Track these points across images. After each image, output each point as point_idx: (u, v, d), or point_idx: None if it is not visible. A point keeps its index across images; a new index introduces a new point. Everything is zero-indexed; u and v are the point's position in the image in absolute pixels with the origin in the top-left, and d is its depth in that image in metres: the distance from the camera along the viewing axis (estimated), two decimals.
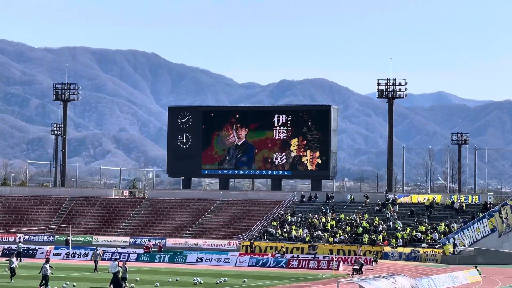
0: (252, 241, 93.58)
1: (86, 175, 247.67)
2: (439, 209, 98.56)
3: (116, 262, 58.11)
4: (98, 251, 73.24)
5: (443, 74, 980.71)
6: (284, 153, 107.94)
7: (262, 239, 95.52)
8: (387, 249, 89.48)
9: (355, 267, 71.38)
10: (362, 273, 69.21)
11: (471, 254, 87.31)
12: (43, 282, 56.19)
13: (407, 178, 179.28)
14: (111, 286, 55.51)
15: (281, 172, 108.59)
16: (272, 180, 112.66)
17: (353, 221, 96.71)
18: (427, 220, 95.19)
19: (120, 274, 55.38)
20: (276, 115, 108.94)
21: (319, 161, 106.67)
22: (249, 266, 78.76)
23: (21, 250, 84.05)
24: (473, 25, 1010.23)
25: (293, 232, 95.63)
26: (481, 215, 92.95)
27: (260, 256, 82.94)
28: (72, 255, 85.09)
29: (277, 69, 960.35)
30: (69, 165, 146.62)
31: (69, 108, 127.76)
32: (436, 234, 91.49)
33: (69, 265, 76.08)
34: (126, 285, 55.50)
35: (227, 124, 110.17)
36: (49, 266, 57.22)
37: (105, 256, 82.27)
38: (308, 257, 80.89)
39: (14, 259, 62.86)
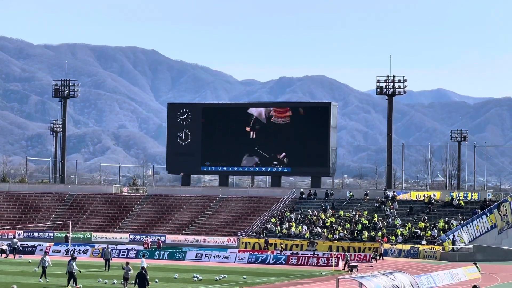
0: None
1: (85, 171, 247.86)
2: (438, 206, 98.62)
3: (144, 259, 60.60)
4: (108, 249, 72.28)
5: (443, 71, 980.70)
6: (283, 150, 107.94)
7: (262, 235, 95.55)
8: (386, 246, 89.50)
9: (352, 263, 71.37)
10: (352, 270, 69.30)
11: (470, 251, 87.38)
12: (71, 280, 55.56)
13: (407, 175, 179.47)
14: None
15: (280, 169, 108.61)
16: (271, 177, 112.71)
17: (352, 218, 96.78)
18: (426, 217, 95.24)
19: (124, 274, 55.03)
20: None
21: (319, 158, 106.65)
22: (248, 262, 78.81)
23: (16, 246, 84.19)
24: (472, 22, 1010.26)
25: (293, 229, 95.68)
26: (480, 212, 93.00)
27: (260, 253, 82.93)
28: (72, 251, 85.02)
29: (277, 66, 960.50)
30: (69, 161, 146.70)
31: (68, 105, 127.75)
32: (436, 231, 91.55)
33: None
34: (127, 284, 55.09)
35: (226, 121, 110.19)
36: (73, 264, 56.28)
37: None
38: (307, 254, 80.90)
39: (47, 257, 60.97)
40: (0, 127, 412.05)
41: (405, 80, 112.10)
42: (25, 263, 75.43)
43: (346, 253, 78.49)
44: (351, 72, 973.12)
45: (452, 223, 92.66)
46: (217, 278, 62.33)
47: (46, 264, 60.18)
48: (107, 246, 76.48)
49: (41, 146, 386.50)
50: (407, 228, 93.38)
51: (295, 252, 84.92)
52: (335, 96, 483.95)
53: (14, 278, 60.88)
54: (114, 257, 77.91)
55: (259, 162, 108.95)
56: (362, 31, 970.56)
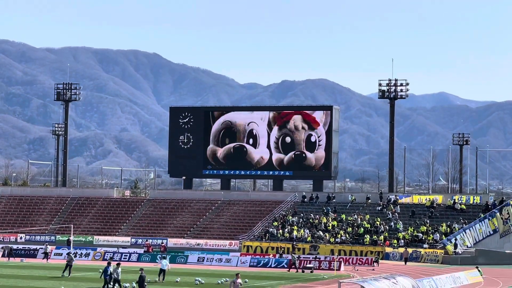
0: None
1: (87, 175, 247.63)
2: (440, 209, 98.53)
3: (165, 261, 62.89)
4: (71, 254, 71.37)
5: (445, 75, 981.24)
6: (285, 153, 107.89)
7: (264, 239, 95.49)
8: (388, 249, 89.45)
9: (308, 265, 75.24)
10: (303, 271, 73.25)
11: (472, 255, 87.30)
12: (116, 286, 54.67)
13: (409, 179, 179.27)
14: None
15: (282, 172, 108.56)
16: (273, 180, 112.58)
17: (354, 222, 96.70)
18: (428, 221, 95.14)
19: (114, 276, 54.78)
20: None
21: (321, 161, 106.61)
22: (250, 266, 78.74)
23: (10, 250, 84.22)
24: (474, 26, 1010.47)
25: (295, 233, 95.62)
26: (482, 215, 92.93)
27: (261, 257, 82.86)
28: (73, 255, 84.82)
29: (279, 69, 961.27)
30: (71, 165, 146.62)
31: (70, 108, 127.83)
32: (438, 234, 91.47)
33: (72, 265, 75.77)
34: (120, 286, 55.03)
35: (228, 124, 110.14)
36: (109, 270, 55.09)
37: (106, 256, 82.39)
38: (309, 258, 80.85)
39: (117, 268, 55.75)
40: (2, 131, 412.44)
41: (407, 84, 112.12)
42: (27, 267, 75.32)
43: (293, 254, 79.23)
44: (353, 76, 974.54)
45: (454, 227, 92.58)
46: (219, 281, 62.34)
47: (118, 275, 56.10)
48: (69, 252, 75.50)
49: (43, 149, 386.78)
50: (409, 231, 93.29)
51: (297, 255, 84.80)
52: (337, 99, 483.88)
53: (16, 282, 60.86)
54: (115, 260, 77.77)
55: (261, 165, 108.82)
56: (364, 35, 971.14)
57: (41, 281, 61.35)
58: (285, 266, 77.40)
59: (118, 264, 55.77)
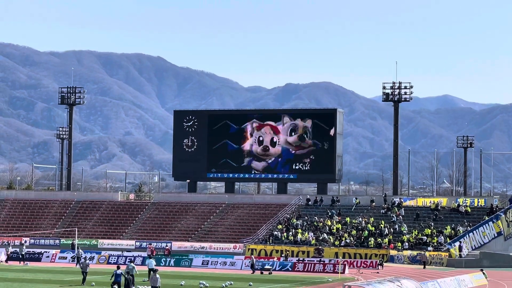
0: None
1: (91, 178, 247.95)
2: (444, 212, 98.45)
3: (152, 261, 64.20)
4: (87, 260, 68.81)
5: (449, 77, 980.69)
6: (290, 156, 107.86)
7: (268, 242, 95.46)
8: (393, 252, 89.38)
9: (267, 267, 77.01)
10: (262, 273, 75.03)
11: (477, 258, 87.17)
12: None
13: (413, 182, 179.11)
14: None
15: (286, 175, 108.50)
16: (277, 183, 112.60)
17: (358, 225, 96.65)
18: (432, 223, 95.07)
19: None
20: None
21: (325, 164, 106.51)
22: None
23: (24, 253, 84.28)
24: (478, 28, 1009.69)
25: (299, 236, 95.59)
26: (487, 218, 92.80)
27: (266, 260, 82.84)
28: (78, 258, 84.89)
29: (283, 72, 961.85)
30: (75, 168, 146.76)
31: (74, 112, 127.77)
32: (442, 237, 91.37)
33: (75, 269, 75.94)
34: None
35: (232, 128, 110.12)
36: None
37: (111, 260, 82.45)
38: (313, 261, 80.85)
39: (157, 276, 52.67)
40: (7, 134, 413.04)
41: (411, 87, 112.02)
42: (32, 270, 75.35)
43: (252, 256, 79.87)
44: (357, 79, 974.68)
45: (458, 230, 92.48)
46: (223, 285, 62.30)
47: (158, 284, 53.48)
48: (83, 257, 74.43)
49: (47, 153, 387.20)
50: (413, 234, 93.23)
51: (301, 258, 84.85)
52: (341, 102, 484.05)
53: (20, 285, 60.88)
54: (120, 264, 77.84)
55: (265, 168, 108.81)
56: (368, 37, 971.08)
57: (47, 285, 61.34)
58: (290, 269, 77.46)
59: (154, 271, 54.62)
